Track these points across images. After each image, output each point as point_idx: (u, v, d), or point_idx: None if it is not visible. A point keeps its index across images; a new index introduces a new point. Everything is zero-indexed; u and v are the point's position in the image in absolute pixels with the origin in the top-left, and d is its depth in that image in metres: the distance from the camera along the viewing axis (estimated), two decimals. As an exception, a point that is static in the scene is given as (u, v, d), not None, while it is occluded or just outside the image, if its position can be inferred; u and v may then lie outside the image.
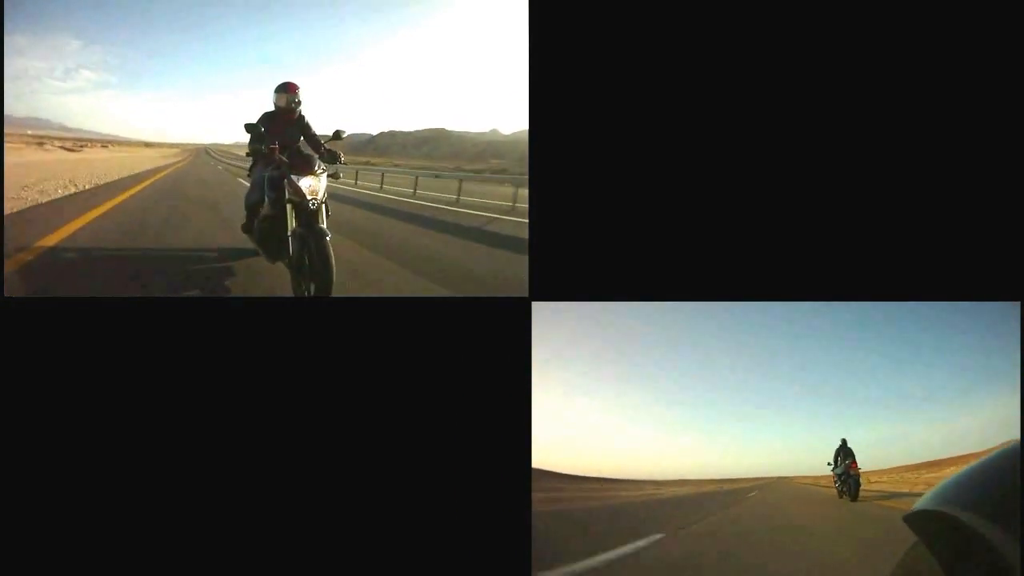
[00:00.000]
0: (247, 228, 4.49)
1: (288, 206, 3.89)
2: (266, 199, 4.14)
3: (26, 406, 2.51)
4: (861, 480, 5.29)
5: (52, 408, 2.52)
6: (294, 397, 2.55)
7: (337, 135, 4.31)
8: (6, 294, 2.75)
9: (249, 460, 2.53)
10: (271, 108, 4.52)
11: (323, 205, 3.91)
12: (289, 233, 3.83)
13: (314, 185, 3.90)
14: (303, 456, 2.53)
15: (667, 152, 2.62)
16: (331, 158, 4.17)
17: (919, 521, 1.17)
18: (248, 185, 4.70)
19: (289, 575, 2.49)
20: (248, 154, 4.53)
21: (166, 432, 2.53)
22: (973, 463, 1.17)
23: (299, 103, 4.52)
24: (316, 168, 3.99)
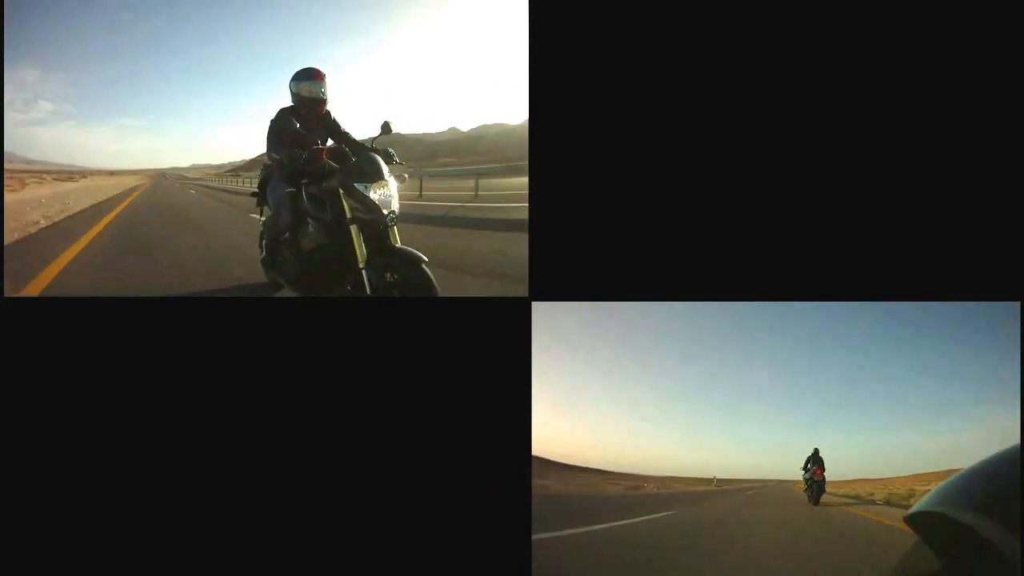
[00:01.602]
0: (271, 262, 3.56)
1: (353, 228, 3.00)
2: (310, 223, 3.22)
3: (26, 406, 2.51)
4: (826, 487, 5.65)
5: (52, 408, 2.52)
6: (294, 397, 2.55)
7: (387, 128, 3.32)
8: (6, 294, 2.75)
9: (251, 459, 2.53)
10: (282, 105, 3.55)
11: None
12: (363, 265, 2.97)
13: (386, 195, 3.03)
14: (303, 456, 2.53)
15: (668, 152, 2.62)
16: (386, 158, 3.21)
17: (921, 521, 1.18)
18: (245, 205, 3.97)
19: (293, 570, 2.50)
20: (281, 162, 3.39)
21: (167, 432, 2.52)
22: (974, 464, 1.18)
23: (326, 95, 3.55)
24: (384, 172, 3.08)
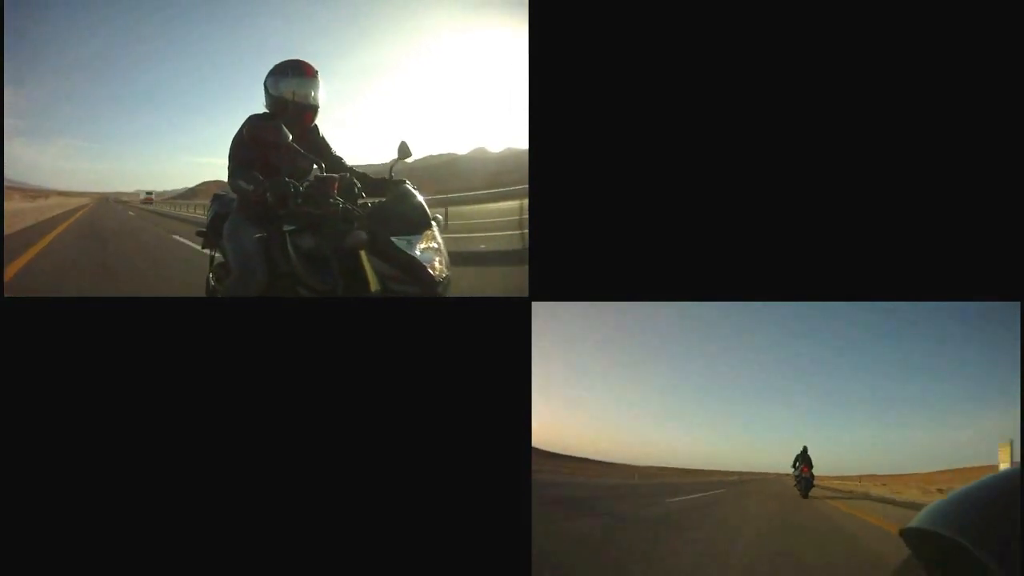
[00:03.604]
0: None
1: None
2: (302, 292, 2.29)
3: (26, 406, 2.52)
4: (815, 482, 5.99)
5: (52, 408, 2.52)
6: (294, 397, 2.56)
7: (405, 152, 2.46)
8: (7, 294, 2.75)
9: (251, 459, 2.54)
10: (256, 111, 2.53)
11: None
12: None
13: (431, 251, 2.18)
14: (303, 456, 2.54)
15: (666, 152, 2.61)
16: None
17: (915, 538, 1.18)
18: (200, 249, 2.72)
19: (294, 570, 2.51)
20: (264, 197, 2.29)
21: (167, 433, 2.53)
22: (973, 483, 1.18)
23: (318, 101, 2.52)
24: (430, 216, 2.19)
